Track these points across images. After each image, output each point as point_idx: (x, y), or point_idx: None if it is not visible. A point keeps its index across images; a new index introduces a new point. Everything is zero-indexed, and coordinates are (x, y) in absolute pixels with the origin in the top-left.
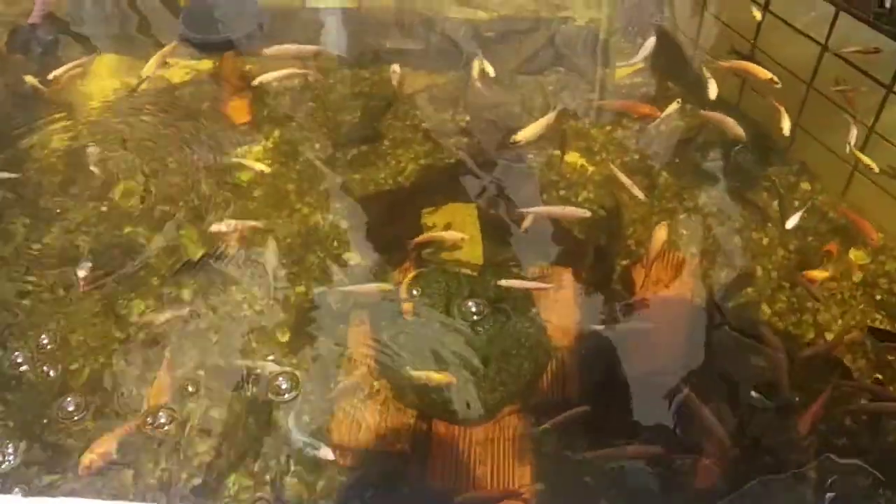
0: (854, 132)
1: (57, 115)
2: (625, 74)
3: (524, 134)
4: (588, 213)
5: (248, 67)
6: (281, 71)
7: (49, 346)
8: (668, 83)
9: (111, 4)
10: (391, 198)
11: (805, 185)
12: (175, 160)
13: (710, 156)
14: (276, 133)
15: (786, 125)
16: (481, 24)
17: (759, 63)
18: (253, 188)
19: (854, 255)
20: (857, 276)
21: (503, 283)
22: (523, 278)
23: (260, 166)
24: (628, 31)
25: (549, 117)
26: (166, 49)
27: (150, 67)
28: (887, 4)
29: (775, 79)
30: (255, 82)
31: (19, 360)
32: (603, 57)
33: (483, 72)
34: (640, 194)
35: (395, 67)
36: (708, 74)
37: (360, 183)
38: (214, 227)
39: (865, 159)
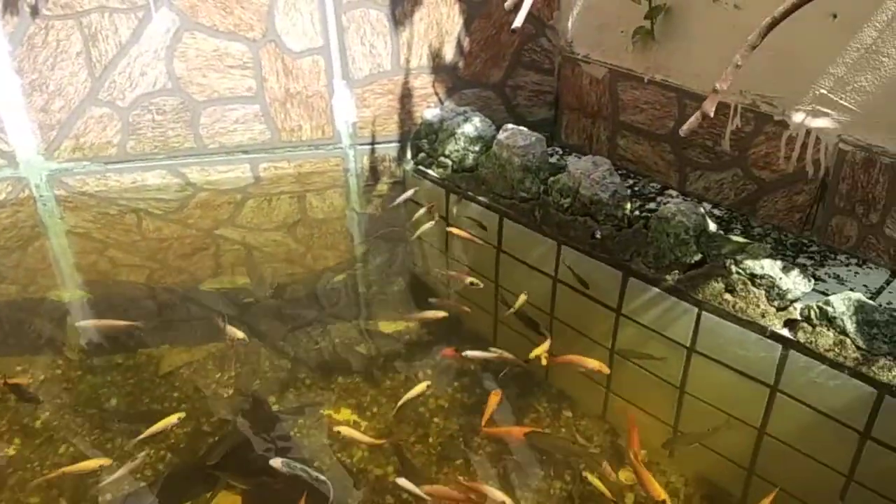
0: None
1: None
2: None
3: None
4: None
5: None
6: None
7: None
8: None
9: None
10: (152, 491)
11: (567, 413)
12: None
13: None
14: (18, 441)
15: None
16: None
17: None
18: None
19: (623, 475)
20: (630, 498)
21: None
22: None
23: None
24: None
25: None
26: None
27: None
28: (598, 235)
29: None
30: None
31: None
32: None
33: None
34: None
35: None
36: None
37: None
38: None
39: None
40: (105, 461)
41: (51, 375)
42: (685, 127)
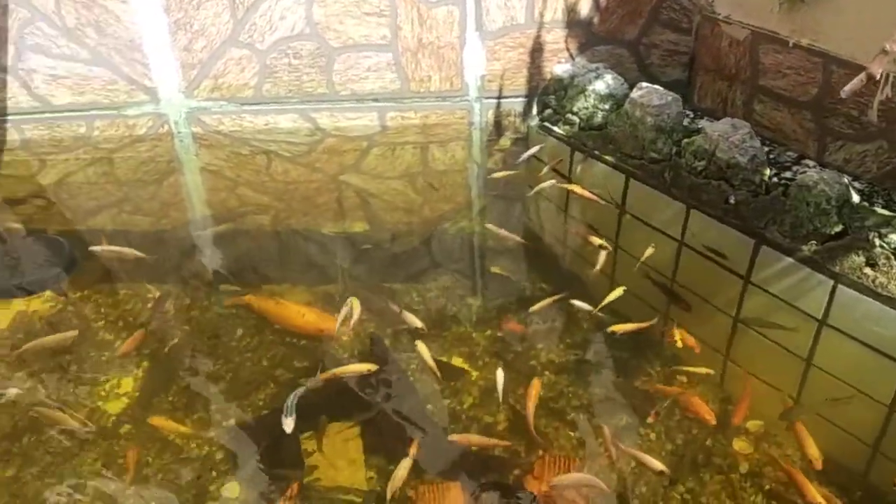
0: None
1: None
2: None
3: None
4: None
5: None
6: None
7: None
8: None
9: None
10: (270, 422)
11: (681, 377)
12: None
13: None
14: (146, 362)
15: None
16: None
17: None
18: (122, 420)
19: (737, 444)
20: (744, 467)
21: None
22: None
23: None
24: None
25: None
26: None
27: None
28: (732, 200)
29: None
30: None
31: None
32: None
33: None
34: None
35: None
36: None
37: (237, 408)
38: None
39: None
40: (371, 366)
41: (179, 305)
42: (847, 88)
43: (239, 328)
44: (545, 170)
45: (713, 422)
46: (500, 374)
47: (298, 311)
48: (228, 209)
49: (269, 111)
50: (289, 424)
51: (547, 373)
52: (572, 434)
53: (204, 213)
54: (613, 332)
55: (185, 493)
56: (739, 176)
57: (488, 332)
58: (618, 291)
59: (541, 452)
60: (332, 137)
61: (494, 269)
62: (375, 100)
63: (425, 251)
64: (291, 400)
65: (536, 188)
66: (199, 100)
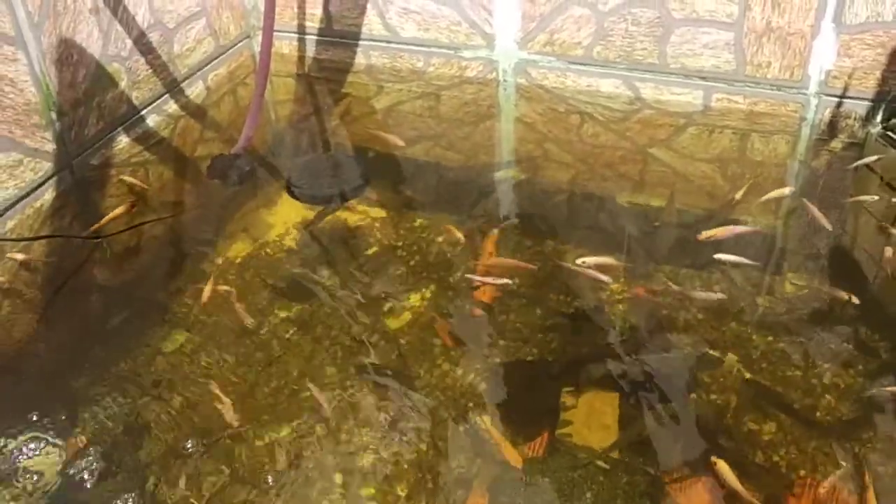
0: None
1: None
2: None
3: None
4: None
5: None
6: None
7: None
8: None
9: (306, 141)
10: (533, 370)
11: None
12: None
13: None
14: (434, 287)
15: None
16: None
17: None
18: (400, 336)
19: None
20: None
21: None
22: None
23: None
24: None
25: None
26: None
27: None
28: None
29: None
30: None
31: None
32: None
33: None
34: None
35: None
36: None
37: (504, 349)
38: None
39: None
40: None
41: (470, 242)
42: None
43: (516, 278)
44: (877, 183)
45: None
46: None
47: None
48: (531, 161)
49: (593, 73)
50: None
51: (828, 395)
52: (844, 462)
53: (508, 160)
54: None
55: (444, 409)
56: None
57: (769, 338)
58: None
59: (803, 473)
60: (650, 109)
61: (790, 275)
62: (703, 78)
63: (718, 241)
64: None
65: (857, 198)
66: (530, 52)
